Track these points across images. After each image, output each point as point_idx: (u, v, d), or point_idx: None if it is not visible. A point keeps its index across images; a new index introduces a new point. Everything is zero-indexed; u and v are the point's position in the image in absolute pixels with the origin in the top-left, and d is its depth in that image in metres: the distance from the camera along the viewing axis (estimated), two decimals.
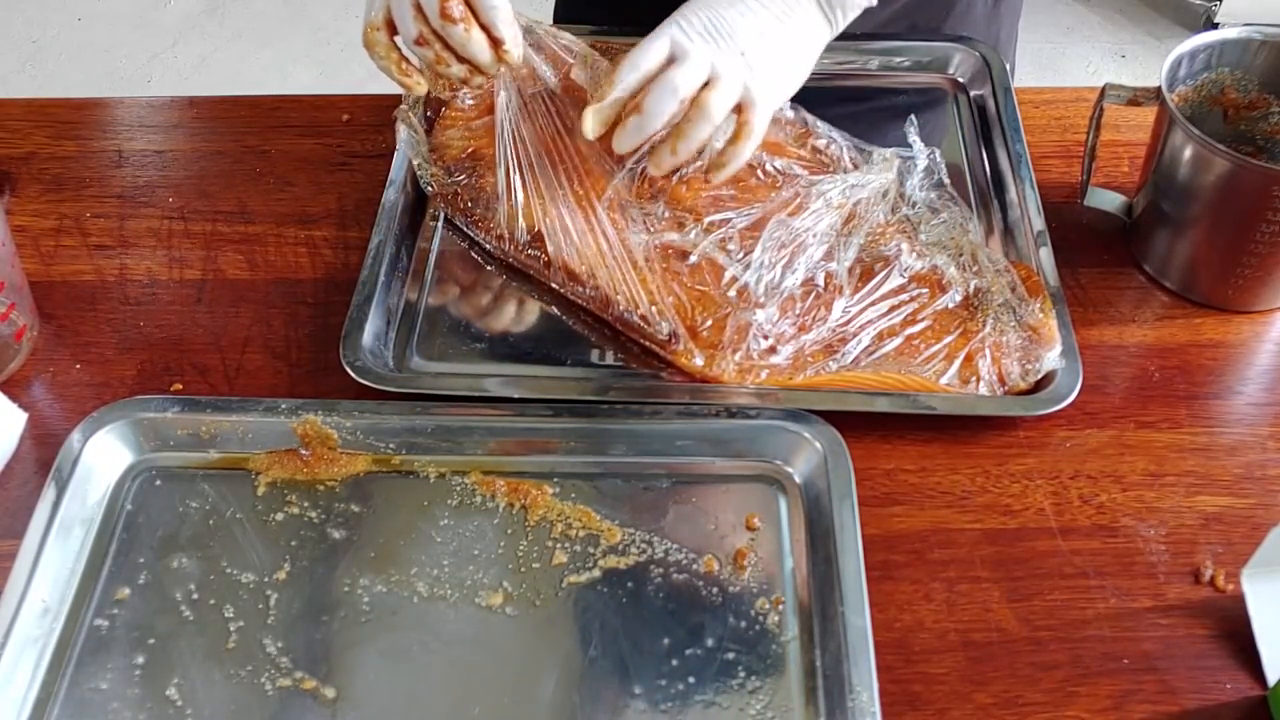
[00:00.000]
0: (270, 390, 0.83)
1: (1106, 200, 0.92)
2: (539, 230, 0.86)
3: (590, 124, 0.80)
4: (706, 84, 0.78)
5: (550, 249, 0.85)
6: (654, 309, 0.82)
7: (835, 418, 0.78)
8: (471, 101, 0.95)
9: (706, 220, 0.86)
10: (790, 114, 0.92)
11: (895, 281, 0.84)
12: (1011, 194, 0.93)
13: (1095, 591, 0.73)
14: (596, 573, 0.73)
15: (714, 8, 0.80)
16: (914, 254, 0.85)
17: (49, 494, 0.74)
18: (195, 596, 0.72)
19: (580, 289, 0.85)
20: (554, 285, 0.87)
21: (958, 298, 0.84)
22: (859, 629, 0.68)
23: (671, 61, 0.78)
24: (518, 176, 0.88)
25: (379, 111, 1.02)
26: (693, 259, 0.84)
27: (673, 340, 0.81)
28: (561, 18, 1.20)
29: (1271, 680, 0.68)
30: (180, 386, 0.83)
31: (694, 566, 0.73)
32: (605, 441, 0.78)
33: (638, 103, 0.79)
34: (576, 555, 0.74)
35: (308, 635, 0.70)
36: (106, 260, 0.92)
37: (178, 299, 0.89)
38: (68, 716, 0.67)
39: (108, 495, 0.77)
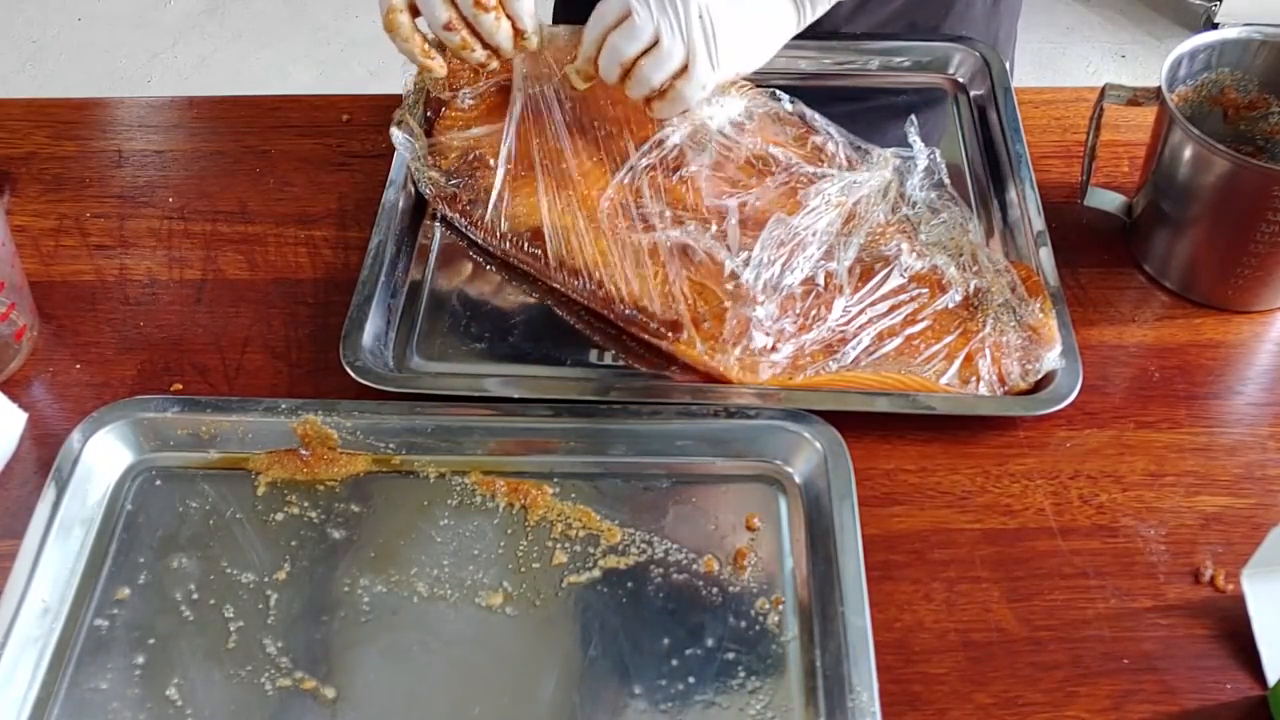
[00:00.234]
0: (270, 390, 0.83)
1: (1106, 200, 0.92)
2: (539, 229, 0.86)
3: (574, 79, 0.87)
4: (650, 49, 0.81)
5: (550, 247, 0.85)
6: (656, 301, 0.82)
7: (835, 418, 0.78)
8: (471, 102, 0.95)
9: (705, 203, 0.86)
10: (789, 107, 0.92)
11: (895, 281, 0.84)
12: (1011, 194, 0.93)
13: (1095, 591, 0.73)
14: (596, 573, 0.73)
15: None
16: (914, 254, 0.85)
17: (49, 494, 0.74)
18: (195, 596, 0.72)
19: (581, 286, 0.85)
20: (554, 284, 0.87)
21: (958, 298, 0.84)
22: (859, 629, 0.68)
23: (626, 18, 0.81)
24: (519, 175, 0.88)
25: (379, 111, 1.02)
26: (697, 256, 0.84)
27: (675, 329, 0.81)
28: (561, 19, 1.20)
29: (1271, 680, 0.68)
30: (180, 386, 0.83)
31: (694, 566, 0.73)
32: (605, 441, 0.78)
33: (599, 65, 0.84)
34: (576, 555, 0.74)
35: (308, 635, 0.70)
36: (106, 260, 0.92)
37: (178, 299, 0.89)
38: (68, 716, 0.67)
39: (108, 495, 0.77)
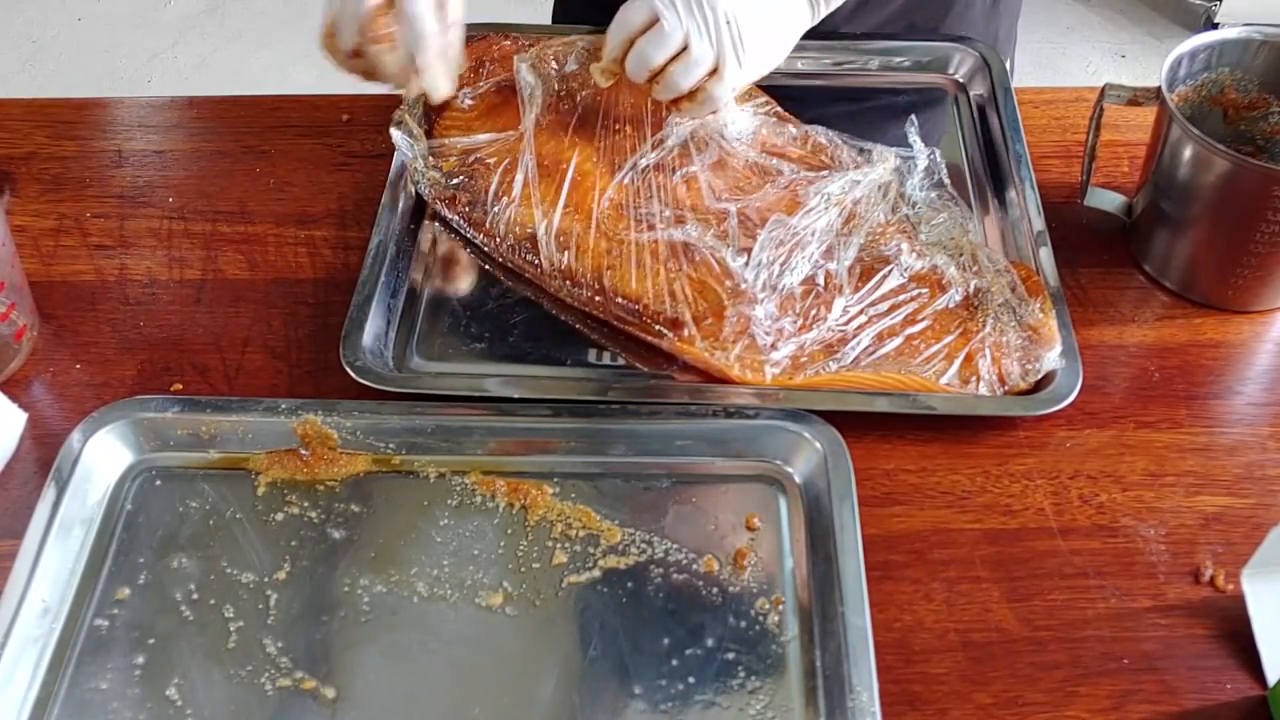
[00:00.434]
0: (270, 390, 0.83)
1: (1106, 200, 0.92)
2: (535, 233, 0.86)
3: (598, 78, 0.88)
4: (679, 54, 0.82)
5: (545, 253, 0.85)
6: (657, 299, 0.82)
7: (835, 418, 0.78)
8: (471, 102, 0.95)
9: (706, 205, 0.86)
10: (794, 131, 0.93)
11: (895, 281, 0.84)
12: (1011, 194, 0.93)
13: (1095, 591, 0.73)
14: (596, 573, 0.73)
15: None
16: (914, 254, 0.85)
17: (49, 494, 0.74)
18: (195, 596, 0.72)
19: (579, 292, 0.85)
20: (551, 290, 0.87)
21: (958, 298, 0.84)
22: (859, 629, 0.68)
23: (654, 22, 0.81)
24: (520, 178, 0.88)
25: (379, 111, 1.02)
26: (698, 255, 0.84)
27: (676, 327, 0.81)
28: (560, 18, 1.21)
29: (1271, 680, 0.68)
30: (180, 386, 0.83)
31: (694, 566, 0.73)
32: (605, 441, 0.78)
33: (625, 66, 0.84)
34: (576, 555, 0.74)
35: (308, 635, 0.70)
36: (106, 260, 0.92)
37: (178, 299, 0.89)
38: (68, 716, 0.67)
39: (108, 495, 0.77)
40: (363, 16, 0.82)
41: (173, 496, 0.77)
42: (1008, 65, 1.10)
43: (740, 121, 0.91)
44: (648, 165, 0.89)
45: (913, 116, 0.91)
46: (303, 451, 0.78)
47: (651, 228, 0.86)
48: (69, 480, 0.75)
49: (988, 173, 0.97)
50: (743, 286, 0.82)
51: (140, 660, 0.69)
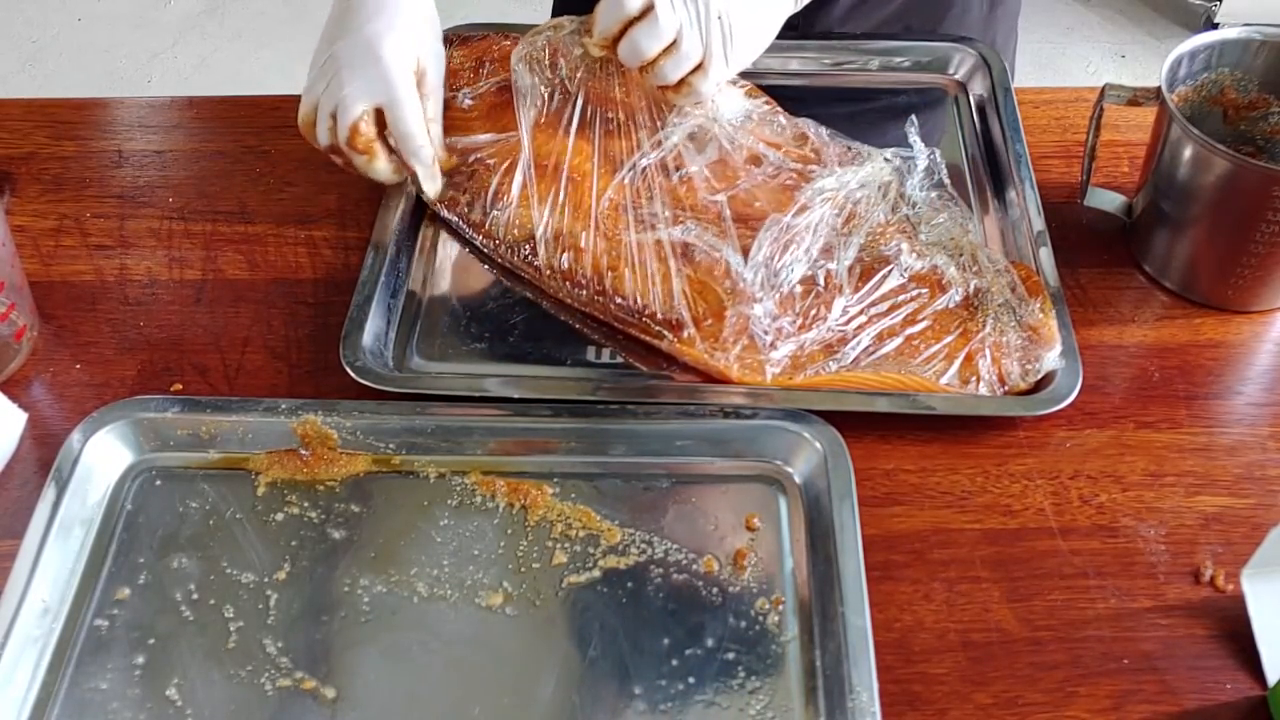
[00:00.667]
0: (270, 390, 0.83)
1: (1106, 200, 0.92)
2: (534, 235, 0.86)
3: (591, 49, 0.88)
4: (669, 47, 0.82)
5: (544, 254, 0.85)
6: (657, 300, 0.82)
7: (835, 418, 0.78)
8: (470, 102, 0.95)
9: (703, 204, 0.86)
10: (783, 121, 0.93)
11: (895, 281, 0.84)
12: (1011, 194, 0.93)
13: (1095, 591, 0.73)
14: (596, 573, 0.73)
15: None
16: (914, 254, 0.85)
17: (49, 494, 0.74)
18: (195, 596, 0.72)
19: (578, 292, 0.85)
20: (550, 291, 0.87)
21: (958, 298, 0.84)
22: (859, 629, 0.68)
23: (648, 10, 0.82)
24: (519, 179, 0.88)
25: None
26: (697, 255, 0.84)
27: (676, 328, 0.81)
28: (560, 15, 1.20)
29: (1271, 680, 0.68)
30: (180, 386, 0.83)
31: (694, 566, 0.73)
32: (605, 441, 0.78)
33: (617, 50, 0.85)
34: (576, 555, 0.74)
35: (308, 635, 0.70)
36: (106, 260, 0.92)
37: (178, 299, 0.89)
38: (68, 716, 0.67)
39: (108, 495, 0.77)
40: (344, 132, 0.84)
41: (173, 496, 0.77)
42: (1008, 66, 1.10)
43: (732, 103, 0.91)
44: (647, 165, 0.89)
45: (913, 116, 0.91)
46: (303, 451, 0.78)
47: (651, 228, 0.86)
48: (69, 480, 0.75)
49: (988, 173, 0.97)
50: (741, 285, 0.82)
51: (140, 660, 0.69)
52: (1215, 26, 1.33)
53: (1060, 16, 2.77)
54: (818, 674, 0.68)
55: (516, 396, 0.80)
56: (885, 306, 0.83)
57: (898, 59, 1.06)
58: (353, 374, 0.80)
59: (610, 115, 0.91)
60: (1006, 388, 0.81)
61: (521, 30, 1.01)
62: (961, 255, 0.86)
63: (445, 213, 0.90)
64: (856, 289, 0.83)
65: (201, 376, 0.84)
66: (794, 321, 0.82)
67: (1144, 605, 0.72)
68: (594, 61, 0.91)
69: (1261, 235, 0.82)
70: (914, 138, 0.90)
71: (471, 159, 0.91)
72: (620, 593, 0.72)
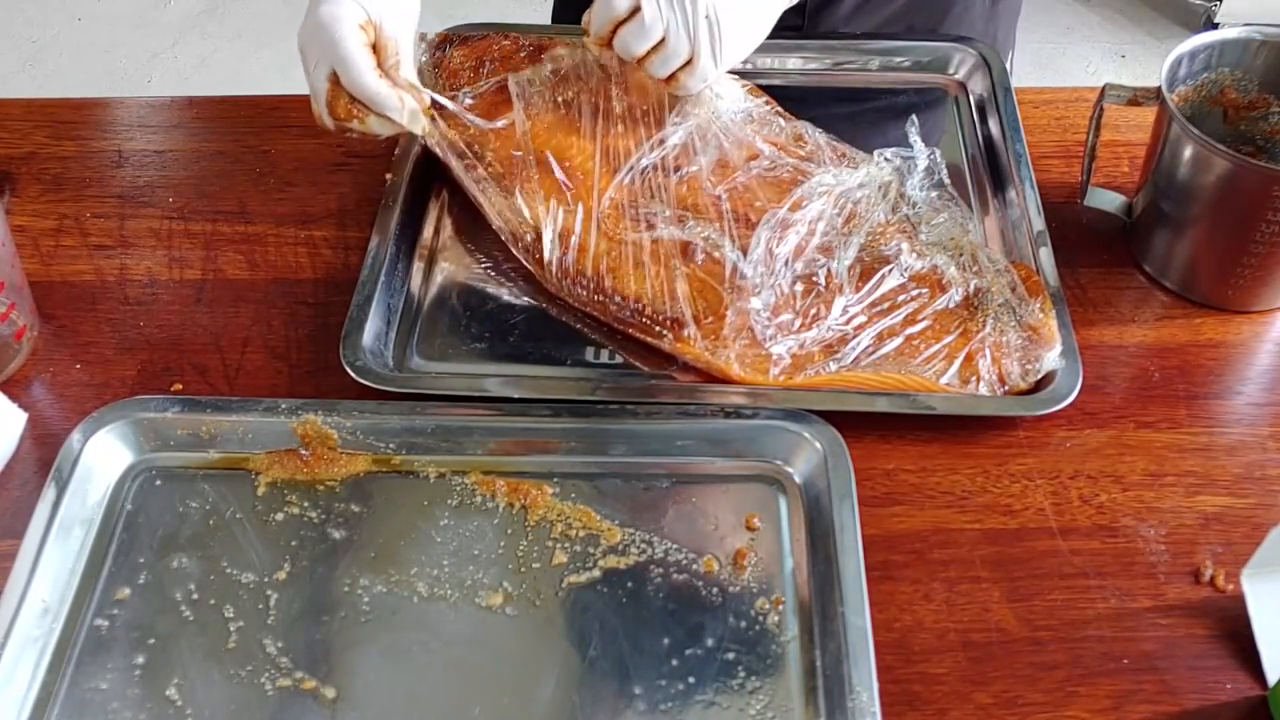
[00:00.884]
0: (270, 390, 0.83)
1: (1106, 200, 0.92)
2: (534, 234, 0.86)
3: (590, 47, 0.90)
4: (658, 45, 0.85)
5: (545, 253, 0.85)
6: (658, 299, 0.82)
7: (835, 418, 0.78)
8: (471, 102, 0.94)
9: (703, 201, 0.86)
10: (781, 123, 0.93)
11: (895, 281, 0.84)
12: (1011, 194, 0.93)
13: (1095, 591, 0.73)
14: (596, 573, 0.73)
15: None
16: (914, 254, 0.85)
17: (49, 494, 0.74)
18: (195, 596, 0.72)
19: (579, 292, 0.85)
20: (551, 289, 0.87)
21: (958, 298, 0.84)
22: (859, 629, 0.68)
23: (636, 11, 0.84)
24: (519, 179, 0.88)
25: None
26: (698, 254, 0.84)
27: (677, 326, 0.81)
28: (559, 18, 1.21)
29: (1271, 680, 0.68)
30: (180, 386, 0.83)
31: (694, 566, 0.73)
32: (605, 441, 0.78)
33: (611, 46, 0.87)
34: (576, 555, 0.74)
35: (308, 635, 0.70)
36: (106, 260, 0.92)
37: (178, 299, 0.89)
38: (68, 716, 0.67)
39: (108, 495, 0.77)
40: (322, 106, 0.86)
41: (173, 496, 0.77)
42: (1007, 65, 1.11)
43: (732, 103, 0.91)
44: (648, 165, 0.89)
45: (913, 116, 0.91)
46: (303, 451, 0.78)
47: (652, 227, 0.86)
48: (69, 480, 0.75)
49: (988, 173, 0.97)
50: (741, 282, 0.82)
51: (140, 660, 0.69)
52: (1215, 26, 1.33)
53: (1060, 16, 2.77)
54: (818, 674, 0.68)
55: (516, 396, 0.80)
56: (885, 306, 0.83)
57: (898, 59, 1.06)
58: (353, 374, 0.80)
59: (611, 115, 0.91)
60: (1006, 388, 0.81)
61: (522, 30, 1.01)
62: (961, 255, 0.86)
63: (455, 164, 0.90)
64: (857, 289, 0.83)
65: (201, 376, 0.84)
66: (794, 320, 0.82)
67: (1144, 605, 0.72)
68: (594, 63, 0.91)
69: (1261, 235, 0.82)
70: (914, 138, 0.90)
71: (469, 153, 0.91)
72: (620, 593, 0.72)
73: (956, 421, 0.80)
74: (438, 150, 0.91)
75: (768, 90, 0.97)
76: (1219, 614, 0.72)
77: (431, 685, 0.68)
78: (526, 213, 0.87)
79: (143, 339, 0.86)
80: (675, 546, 0.74)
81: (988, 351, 0.81)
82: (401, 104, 0.86)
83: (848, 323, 0.82)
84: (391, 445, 0.78)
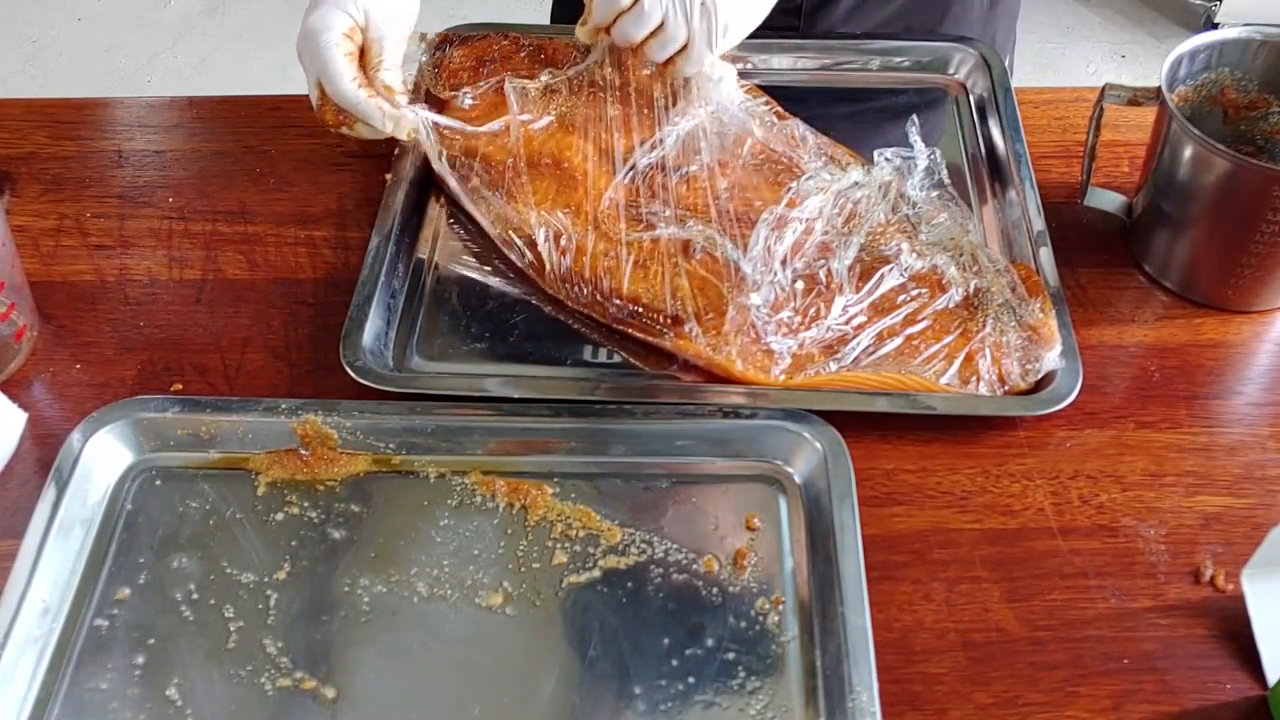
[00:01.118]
0: (270, 390, 0.83)
1: (1106, 200, 0.92)
2: (533, 236, 0.86)
3: (581, 36, 0.92)
4: (656, 31, 0.87)
5: (544, 256, 0.85)
6: (658, 297, 0.82)
7: (835, 418, 0.78)
8: (471, 102, 0.95)
9: (699, 196, 0.86)
10: (782, 122, 0.93)
11: (895, 281, 0.84)
12: (1011, 194, 0.93)
13: (1095, 591, 0.73)
14: (596, 573, 0.73)
15: None
16: (914, 254, 0.85)
17: (49, 494, 0.74)
18: (195, 596, 0.72)
19: (578, 292, 0.85)
20: (550, 291, 0.87)
21: (958, 298, 0.84)
22: (859, 629, 0.68)
23: (636, 2, 0.86)
24: (518, 180, 0.88)
25: None
26: (697, 251, 0.85)
27: (677, 324, 0.81)
28: (560, 18, 1.21)
29: (1271, 680, 0.68)
30: (180, 386, 0.83)
31: (694, 566, 0.73)
32: (605, 441, 0.78)
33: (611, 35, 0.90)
34: (576, 555, 0.74)
35: (308, 635, 0.70)
36: (106, 260, 0.92)
37: (178, 299, 0.89)
38: (68, 716, 0.67)
39: (108, 495, 0.77)
40: (317, 113, 0.89)
41: (173, 496, 0.77)
42: (1007, 65, 1.10)
43: (731, 103, 0.91)
44: (647, 165, 0.89)
45: (913, 116, 0.91)
46: (303, 451, 0.78)
47: (651, 227, 0.86)
48: (69, 480, 0.75)
49: (988, 173, 0.97)
50: (743, 277, 0.82)
51: (140, 660, 0.69)
52: (1215, 26, 1.33)
53: (1060, 16, 2.77)
54: (818, 674, 0.68)
55: (516, 396, 0.80)
56: (885, 306, 0.83)
57: (898, 59, 1.06)
58: (353, 374, 0.80)
59: (609, 115, 0.91)
60: (1006, 388, 0.81)
61: (521, 30, 1.01)
62: (961, 255, 0.86)
63: (454, 183, 0.90)
64: (857, 288, 0.83)
65: (201, 376, 0.84)
66: (794, 318, 0.82)
67: (1144, 605, 0.72)
68: (594, 64, 0.91)
69: (1261, 235, 0.82)
70: (914, 138, 0.90)
71: (469, 154, 0.91)
72: (620, 593, 0.72)
73: (956, 421, 0.80)
74: (431, 158, 0.91)
75: (768, 90, 0.97)
76: (1219, 614, 0.72)
77: (431, 685, 0.68)
78: (524, 217, 0.87)
79: (143, 339, 0.86)
80: (675, 546, 0.74)
81: (988, 351, 0.81)
82: (382, 113, 0.87)
83: (848, 322, 0.82)
84: (391, 445, 0.78)
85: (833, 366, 0.81)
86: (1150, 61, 2.63)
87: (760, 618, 0.71)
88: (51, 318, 0.88)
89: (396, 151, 0.95)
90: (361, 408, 0.78)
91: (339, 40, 0.87)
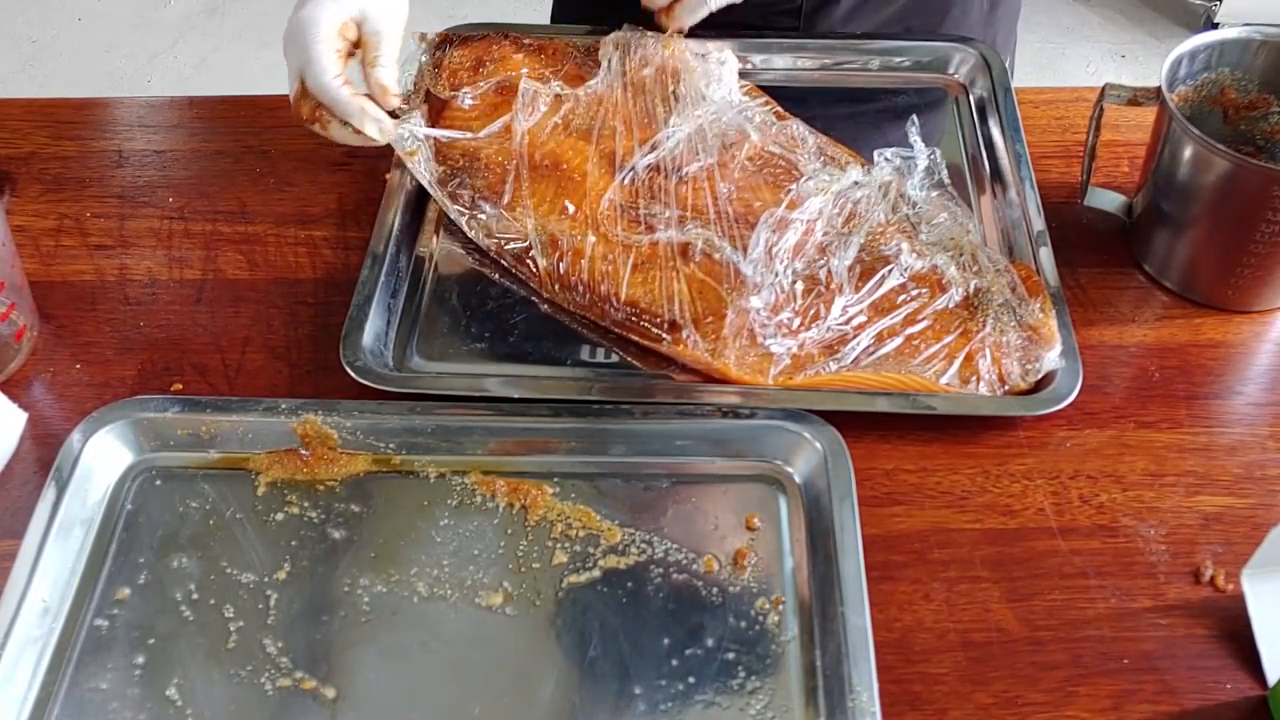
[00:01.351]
0: (270, 390, 0.83)
1: (1106, 200, 0.92)
2: (532, 240, 0.86)
3: None
4: None
5: (541, 259, 0.85)
6: (656, 301, 0.82)
7: (835, 418, 0.78)
8: (471, 102, 0.95)
9: (699, 198, 0.86)
10: (781, 123, 0.93)
11: (895, 281, 0.84)
12: (1011, 194, 0.93)
13: (1095, 591, 0.73)
14: (596, 573, 0.73)
15: None
16: (914, 254, 0.85)
17: (49, 494, 0.74)
18: (195, 596, 0.72)
19: (576, 296, 0.85)
20: (548, 295, 0.87)
21: (958, 298, 0.84)
22: (859, 629, 0.68)
23: None
24: (517, 183, 0.88)
25: None
26: (696, 255, 0.84)
27: (675, 329, 0.81)
28: (559, 18, 1.21)
29: (1271, 680, 0.68)
30: (180, 386, 0.83)
31: (694, 566, 0.73)
32: (605, 441, 0.78)
33: None
34: (576, 555, 0.74)
35: (308, 635, 0.70)
36: (106, 260, 0.92)
37: (178, 299, 0.89)
38: (68, 716, 0.67)
39: (108, 495, 0.77)
40: (292, 106, 0.88)
41: (173, 496, 0.77)
42: (1007, 66, 1.10)
43: (731, 103, 0.91)
44: (646, 166, 0.89)
45: (913, 116, 0.91)
46: (303, 451, 0.78)
47: (650, 229, 0.86)
48: (69, 480, 0.75)
49: (988, 173, 0.97)
50: (742, 280, 0.82)
51: (140, 660, 0.69)
52: (1215, 26, 1.33)
53: (1060, 16, 2.77)
54: (818, 674, 0.68)
55: (516, 396, 0.80)
56: (885, 306, 0.83)
57: (898, 59, 1.06)
58: (353, 374, 0.80)
59: (609, 118, 0.91)
60: (1006, 388, 0.81)
61: (521, 30, 1.01)
62: (961, 255, 0.86)
63: (449, 204, 0.90)
64: (857, 288, 0.83)
65: (201, 376, 0.84)
66: (794, 319, 0.82)
67: (1144, 605, 0.72)
68: (593, 65, 0.91)
69: (1261, 235, 0.82)
70: (914, 138, 0.90)
71: (471, 158, 0.91)
72: (620, 593, 0.72)
73: (956, 421, 0.80)
74: (423, 181, 0.90)
75: (767, 90, 0.97)
76: (1219, 614, 0.72)
77: (431, 685, 0.68)
78: (522, 225, 0.87)
79: (143, 339, 0.86)
80: (675, 546, 0.74)
81: (988, 351, 0.81)
82: (364, 112, 0.85)
83: (847, 322, 0.82)
84: (391, 445, 0.78)
85: (833, 366, 0.81)
86: (1150, 61, 2.63)
87: (760, 618, 0.71)
88: (51, 318, 0.88)
89: (397, 151, 0.95)
90: (361, 408, 0.78)
91: (329, 35, 0.85)
